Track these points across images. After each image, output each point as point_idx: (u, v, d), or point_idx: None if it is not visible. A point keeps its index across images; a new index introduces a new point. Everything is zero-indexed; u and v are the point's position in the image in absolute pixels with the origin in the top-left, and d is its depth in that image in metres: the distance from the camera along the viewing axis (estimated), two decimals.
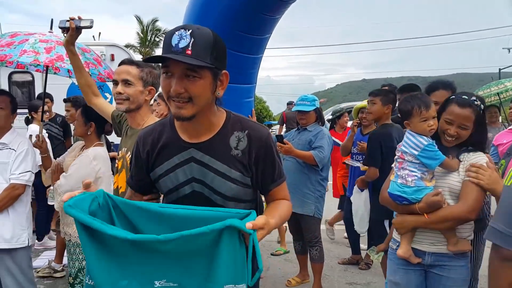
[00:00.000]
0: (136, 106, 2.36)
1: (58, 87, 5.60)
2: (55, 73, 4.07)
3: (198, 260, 1.27)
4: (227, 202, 1.63)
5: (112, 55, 6.55)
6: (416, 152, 2.16)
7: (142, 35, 32.38)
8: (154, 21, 32.83)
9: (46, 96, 4.41)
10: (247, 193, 1.66)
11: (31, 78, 5.68)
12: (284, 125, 11.56)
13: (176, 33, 1.41)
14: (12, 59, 3.30)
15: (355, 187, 4.03)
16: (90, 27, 2.52)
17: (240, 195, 1.63)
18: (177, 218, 1.38)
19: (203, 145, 1.58)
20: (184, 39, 1.39)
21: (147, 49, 31.54)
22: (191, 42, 1.38)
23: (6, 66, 3.87)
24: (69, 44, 2.54)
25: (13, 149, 2.89)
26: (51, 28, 4.38)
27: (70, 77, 4.17)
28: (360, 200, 3.97)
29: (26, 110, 6.46)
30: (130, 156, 1.90)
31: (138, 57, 9.96)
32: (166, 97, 1.49)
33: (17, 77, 6.84)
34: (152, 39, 32.73)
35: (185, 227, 1.24)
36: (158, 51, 32.20)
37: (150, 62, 1.66)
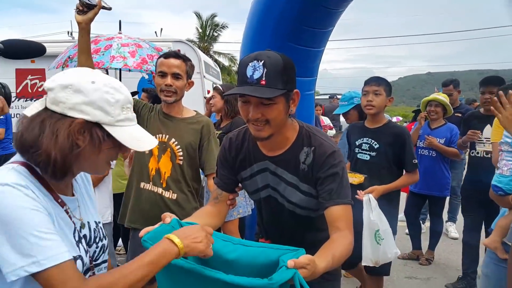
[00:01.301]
0: (180, 97, 2.57)
1: (130, 80, 6.00)
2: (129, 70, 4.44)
3: None
4: (298, 209, 1.76)
5: (179, 50, 6.87)
6: (509, 140, 2.13)
7: (201, 30, 33.14)
8: (213, 16, 33.48)
9: (145, 92, 4.85)
10: (318, 204, 1.69)
11: (106, 73, 6.18)
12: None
13: (250, 64, 1.53)
14: (106, 66, 3.66)
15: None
16: (110, 8, 2.40)
17: (311, 205, 1.73)
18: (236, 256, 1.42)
19: (276, 159, 1.73)
20: (258, 70, 1.51)
21: (205, 44, 32.27)
22: (264, 72, 1.50)
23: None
24: (90, 21, 2.26)
25: None
26: (120, 29, 4.74)
27: (140, 71, 4.49)
28: None
29: None
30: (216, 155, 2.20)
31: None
32: (246, 120, 1.64)
33: None
34: (211, 34, 33.42)
35: (243, 265, 1.35)
36: (216, 46, 32.93)
37: (229, 96, 1.74)
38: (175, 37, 8.19)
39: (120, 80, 4.37)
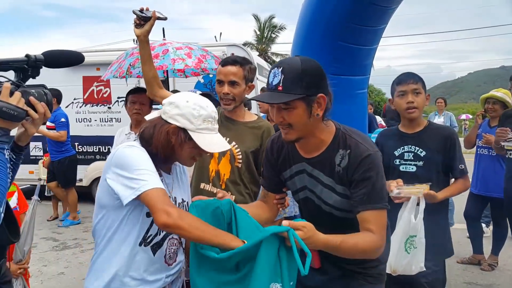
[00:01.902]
0: (240, 103, 2.56)
1: (186, 84, 6.22)
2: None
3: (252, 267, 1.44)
4: (335, 211, 1.77)
5: (232, 54, 7.03)
6: None
7: (259, 32, 33.46)
8: (271, 18, 33.68)
9: (174, 92, 5.03)
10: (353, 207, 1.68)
11: (165, 77, 6.41)
12: (385, 118, 11.09)
13: (272, 71, 1.62)
14: (169, 68, 3.87)
15: None
16: (165, 18, 2.58)
17: (347, 206, 1.71)
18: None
19: (313, 160, 1.75)
20: (276, 76, 1.58)
21: (263, 46, 32.54)
22: (281, 78, 1.57)
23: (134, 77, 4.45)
24: (148, 33, 2.47)
25: None
26: (164, 36, 4.95)
27: (199, 70, 4.66)
28: None
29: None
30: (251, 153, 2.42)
31: (254, 54, 10.37)
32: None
33: None
34: (269, 35, 33.63)
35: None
36: (274, 47, 33.04)
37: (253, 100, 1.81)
38: (233, 41, 8.34)
39: (168, 82, 4.58)
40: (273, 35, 33.53)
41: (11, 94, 1.37)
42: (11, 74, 1.46)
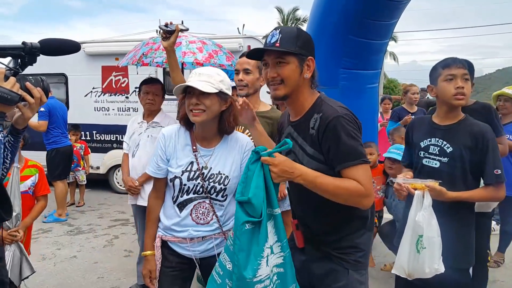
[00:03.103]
0: (254, 91, 2.75)
1: None
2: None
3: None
4: None
5: (249, 46, 7.04)
6: None
7: (282, 25, 33.28)
8: (295, 10, 33.43)
9: None
10: (327, 171, 1.74)
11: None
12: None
13: (270, 33, 1.81)
14: (179, 60, 3.98)
15: None
16: (187, 29, 2.91)
17: (321, 170, 1.74)
18: None
19: (295, 123, 1.91)
20: (274, 36, 1.78)
21: None
22: (279, 37, 1.76)
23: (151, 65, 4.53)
24: (174, 44, 2.78)
25: (163, 127, 3.43)
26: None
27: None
28: None
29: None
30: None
31: None
32: (267, 84, 1.87)
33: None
34: None
35: None
36: None
37: (252, 58, 1.96)
38: (255, 33, 8.38)
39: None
40: None
41: (6, 78, 1.45)
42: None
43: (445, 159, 2.35)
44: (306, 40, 1.81)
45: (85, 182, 7.19)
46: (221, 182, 2.01)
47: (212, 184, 2.01)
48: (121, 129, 7.88)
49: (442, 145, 2.37)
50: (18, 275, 2.80)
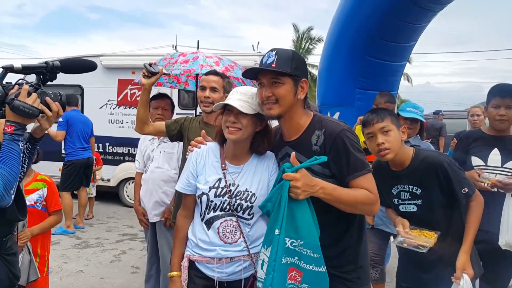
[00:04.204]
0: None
1: None
2: None
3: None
4: None
5: (255, 63, 7.08)
6: None
7: (297, 43, 33.48)
8: (310, 29, 33.63)
9: None
10: (334, 183, 1.80)
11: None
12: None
13: (266, 54, 1.87)
14: (196, 72, 4.01)
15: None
16: (169, 74, 3.18)
17: None
18: None
19: (293, 143, 1.94)
20: (270, 57, 1.83)
21: None
22: (275, 58, 1.82)
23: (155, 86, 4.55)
24: (152, 84, 2.70)
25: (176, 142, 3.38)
26: (198, 47, 5.05)
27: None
28: None
29: (191, 111, 7.44)
30: None
31: None
32: (261, 102, 1.90)
33: None
34: (306, 46, 33.57)
35: None
36: (311, 58, 32.98)
37: (247, 77, 2.03)
38: (263, 53, 8.40)
39: (196, 92, 4.66)
40: (310, 47, 33.46)
41: (29, 94, 1.65)
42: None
43: (419, 202, 2.30)
44: (300, 63, 1.88)
45: (94, 195, 7.18)
46: (247, 199, 1.99)
47: (238, 201, 1.99)
48: (134, 142, 7.89)
49: (412, 190, 2.31)
50: (26, 278, 2.80)
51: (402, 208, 2.36)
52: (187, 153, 2.84)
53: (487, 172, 2.73)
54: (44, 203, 3.04)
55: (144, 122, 2.85)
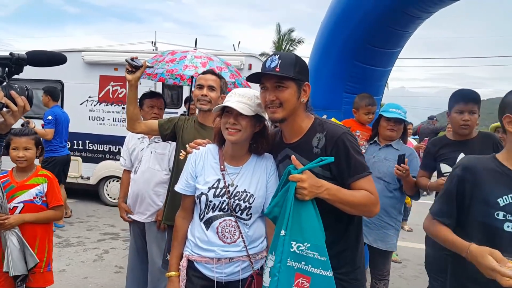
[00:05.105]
0: (213, 108, 2.72)
1: None
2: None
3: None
4: None
5: (250, 65, 7.08)
6: None
7: (277, 44, 33.62)
8: (291, 31, 33.84)
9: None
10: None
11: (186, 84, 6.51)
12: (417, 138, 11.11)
13: (269, 58, 1.90)
14: (179, 73, 3.96)
15: None
16: (152, 67, 3.05)
17: None
18: None
19: (293, 145, 1.98)
20: (274, 61, 1.86)
21: None
22: (279, 62, 1.85)
23: (152, 80, 4.48)
24: (138, 79, 2.73)
25: (168, 142, 3.32)
26: (195, 46, 5.01)
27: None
28: None
29: (175, 110, 7.39)
30: None
31: None
32: (264, 106, 1.94)
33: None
34: (287, 48, 33.75)
35: None
36: None
37: (251, 81, 2.00)
38: (250, 50, 8.44)
39: (191, 91, 4.63)
40: (291, 48, 33.66)
41: None
42: None
43: None
44: (303, 67, 1.91)
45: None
46: (246, 200, 2.02)
47: (237, 201, 2.02)
48: (115, 140, 7.80)
49: None
50: (24, 266, 2.72)
51: (508, 226, 1.69)
52: (181, 154, 2.84)
53: None
54: (44, 198, 2.97)
55: (135, 120, 2.82)
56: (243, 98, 1.98)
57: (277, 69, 1.84)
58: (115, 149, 7.87)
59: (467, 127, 2.85)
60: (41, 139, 3.13)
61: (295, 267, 1.65)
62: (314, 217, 1.70)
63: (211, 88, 2.79)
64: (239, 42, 29.47)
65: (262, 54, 25.90)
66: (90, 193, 7.97)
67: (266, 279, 1.75)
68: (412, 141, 9.16)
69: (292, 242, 1.66)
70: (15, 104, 1.58)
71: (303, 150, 1.92)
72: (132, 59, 2.70)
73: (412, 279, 5.01)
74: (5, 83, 1.58)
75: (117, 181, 7.89)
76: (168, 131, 2.87)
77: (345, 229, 1.97)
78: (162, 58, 4.02)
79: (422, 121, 12.58)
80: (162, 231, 3.38)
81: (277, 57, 1.87)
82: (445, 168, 2.92)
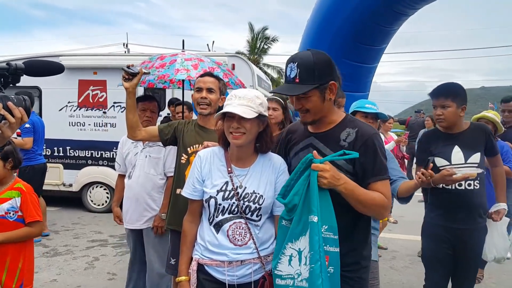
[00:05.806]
0: (214, 110, 2.80)
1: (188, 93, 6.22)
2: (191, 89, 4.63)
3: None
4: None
5: (233, 65, 7.04)
6: None
7: (252, 42, 33.63)
8: (264, 29, 33.90)
9: (184, 104, 5.02)
10: (355, 181, 1.85)
11: (175, 87, 6.41)
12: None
13: (289, 65, 1.88)
14: (171, 78, 3.91)
15: None
16: (149, 73, 3.02)
17: None
18: None
19: (321, 134, 1.98)
20: (293, 70, 1.84)
21: (255, 56, 32.69)
22: (298, 72, 1.83)
23: (141, 86, 4.42)
24: (135, 86, 2.68)
25: (161, 146, 3.28)
26: (183, 48, 4.97)
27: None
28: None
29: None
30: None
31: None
32: (295, 110, 1.98)
33: None
34: (261, 46, 33.81)
35: None
36: (266, 58, 33.37)
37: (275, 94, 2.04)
38: (227, 50, 8.42)
39: (183, 94, 4.60)
40: (266, 46, 33.73)
41: None
42: None
43: None
44: (324, 66, 1.86)
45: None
46: (255, 201, 2.01)
47: (246, 203, 2.00)
48: (96, 145, 7.65)
49: None
50: None
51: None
52: (182, 158, 2.81)
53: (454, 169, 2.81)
54: (20, 213, 2.75)
55: (136, 128, 2.76)
56: (244, 101, 1.95)
57: (297, 80, 1.83)
58: (97, 154, 7.72)
59: (442, 121, 2.94)
60: (15, 149, 2.91)
61: (326, 249, 1.71)
62: (329, 200, 1.75)
63: (209, 90, 2.77)
64: (213, 42, 29.39)
65: (237, 53, 25.82)
66: (73, 200, 7.80)
67: (288, 269, 1.77)
68: (392, 134, 9.34)
69: (323, 226, 1.72)
70: (13, 115, 1.51)
71: (329, 141, 1.93)
72: (128, 66, 2.67)
73: (403, 269, 5.10)
74: (1, 94, 1.52)
75: (101, 187, 7.75)
76: (168, 135, 2.84)
77: (353, 226, 1.95)
78: (152, 64, 3.97)
79: (395, 115, 12.87)
80: (160, 236, 3.34)
81: (295, 65, 1.84)
82: (441, 162, 2.98)
